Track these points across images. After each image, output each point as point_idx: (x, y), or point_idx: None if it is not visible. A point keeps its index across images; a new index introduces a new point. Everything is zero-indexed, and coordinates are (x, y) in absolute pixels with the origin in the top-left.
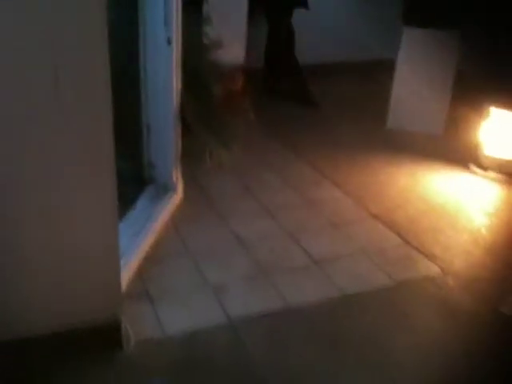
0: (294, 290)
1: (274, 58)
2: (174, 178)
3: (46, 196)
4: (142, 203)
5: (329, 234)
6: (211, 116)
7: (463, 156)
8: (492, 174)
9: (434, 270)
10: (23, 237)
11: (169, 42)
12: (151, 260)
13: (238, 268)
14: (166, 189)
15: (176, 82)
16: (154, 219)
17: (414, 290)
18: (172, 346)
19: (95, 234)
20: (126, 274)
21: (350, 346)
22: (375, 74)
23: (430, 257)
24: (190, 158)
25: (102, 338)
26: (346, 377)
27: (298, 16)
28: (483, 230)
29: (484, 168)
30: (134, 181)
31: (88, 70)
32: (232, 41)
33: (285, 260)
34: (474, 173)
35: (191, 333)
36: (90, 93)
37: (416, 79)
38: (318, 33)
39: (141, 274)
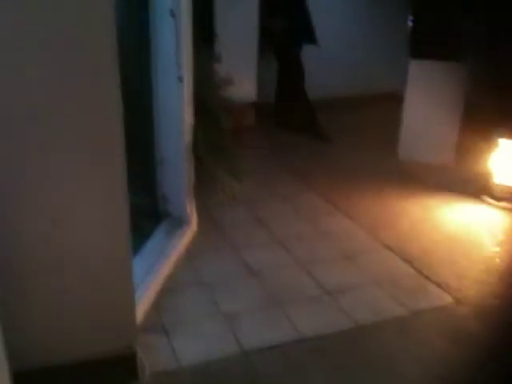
0: (306, 320)
1: (284, 93)
2: (188, 211)
3: (64, 235)
4: (157, 236)
5: (341, 265)
6: (222, 149)
7: (475, 186)
8: (504, 203)
9: (447, 299)
10: (40, 272)
11: (180, 80)
12: (166, 291)
13: (250, 298)
14: (180, 222)
15: (187, 118)
16: (169, 252)
17: (427, 320)
18: (186, 377)
19: (110, 269)
20: (142, 306)
21: (363, 376)
22: (384, 106)
23: (443, 286)
24: (203, 190)
25: (118, 369)
26: None
27: (307, 51)
28: (496, 259)
29: (496, 198)
30: (148, 214)
31: (101, 109)
32: (243, 77)
33: (297, 290)
34: (486, 202)
35: (205, 363)
36: (102, 131)
37: (425, 110)
38: (327, 67)
39: (156, 305)
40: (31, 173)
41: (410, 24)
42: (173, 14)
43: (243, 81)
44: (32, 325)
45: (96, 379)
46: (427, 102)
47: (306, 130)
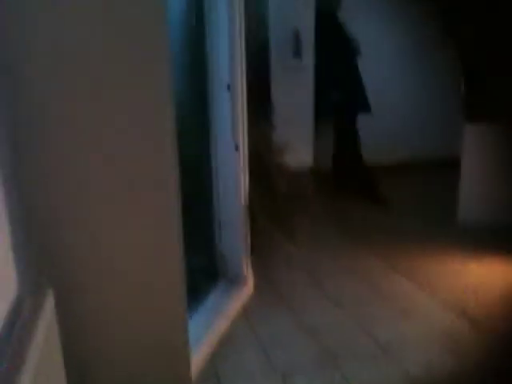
0: (361, 377)
1: (341, 159)
2: (245, 271)
3: (121, 298)
4: (214, 295)
5: (399, 324)
6: (279, 213)
7: None
8: None
9: None
10: (101, 332)
11: (236, 148)
12: (222, 350)
13: (305, 355)
14: (236, 282)
15: (244, 183)
16: (226, 311)
17: None
18: None
19: (166, 329)
20: (197, 364)
21: None
22: (442, 170)
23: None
24: (260, 252)
25: None
26: None
27: (363, 118)
28: None
29: None
30: (207, 275)
31: (161, 176)
32: (299, 144)
33: (353, 348)
34: None
35: None
36: (161, 201)
37: (482, 173)
38: (383, 133)
39: (211, 361)
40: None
41: (463, 88)
42: (229, 88)
43: (300, 147)
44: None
45: None
46: (484, 165)
47: (364, 194)
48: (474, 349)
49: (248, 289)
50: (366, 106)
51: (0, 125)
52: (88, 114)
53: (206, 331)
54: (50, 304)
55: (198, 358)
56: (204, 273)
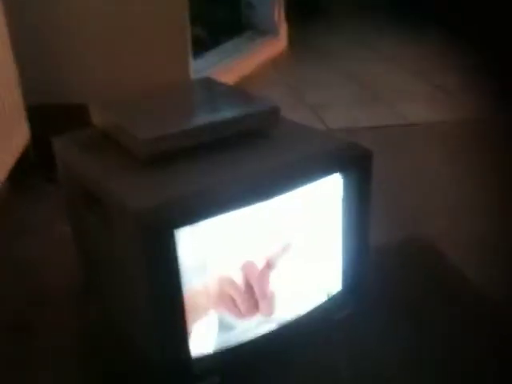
0: (409, 109)
1: None
2: (276, 19)
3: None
4: (236, 41)
5: None
6: None
7: None
8: None
9: None
10: None
11: None
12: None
13: (343, 93)
14: (265, 33)
15: None
16: (250, 56)
17: None
18: None
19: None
20: None
21: None
22: None
23: None
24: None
25: None
26: None
27: None
28: None
29: None
30: (230, 27)
31: None
32: None
33: (404, 90)
34: None
35: None
36: None
37: None
38: None
39: None
40: None
41: None
42: None
43: None
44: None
45: None
46: None
47: None
48: None
49: (279, 40)
50: None
51: None
52: None
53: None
54: None
55: None
56: (226, 24)
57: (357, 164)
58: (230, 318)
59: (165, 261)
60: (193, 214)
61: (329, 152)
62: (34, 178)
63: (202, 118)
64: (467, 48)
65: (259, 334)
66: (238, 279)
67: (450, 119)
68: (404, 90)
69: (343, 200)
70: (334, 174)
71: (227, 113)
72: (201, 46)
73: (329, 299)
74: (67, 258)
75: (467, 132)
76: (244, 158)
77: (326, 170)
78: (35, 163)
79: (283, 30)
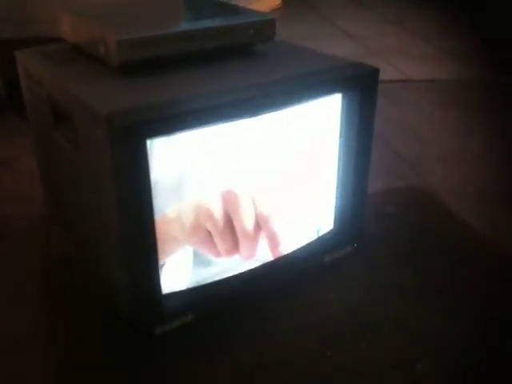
0: (409, 66)
1: None
2: None
3: None
4: None
5: None
6: None
7: None
8: None
9: None
10: None
11: None
12: None
13: (341, 50)
14: None
15: None
16: None
17: None
18: None
19: None
20: None
21: None
22: None
23: None
24: None
25: None
26: None
27: None
28: None
29: None
30: None
31: None
32: None
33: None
34: None
35: None
36: None
37: None
38: None
39: None
40: None
41: None
42: None
43: None
44: None
45: None
46: None
47: None
48: None
49: None
50: None
51: None
52: None
53: None
54: None
55: None
56: None
57: (362, 83)
58: (206, 254)
59: (135, 173)
60: (168, 122)
61: (330, 68)
62: (4, 111)
63: (185, 25)
64: (471, 13)
65: (239, 272)
66: (217, 211)
67: (450, 78)
68: (404, 50)
69: (342, 126)
70: (335, 95)
71: (213, 21)
72: None
73: (318, 238)
74: (34, 192)
75: (468, 89)
76: (231, 72)
77: (326, 89)
78: (5, 97)
79: None
